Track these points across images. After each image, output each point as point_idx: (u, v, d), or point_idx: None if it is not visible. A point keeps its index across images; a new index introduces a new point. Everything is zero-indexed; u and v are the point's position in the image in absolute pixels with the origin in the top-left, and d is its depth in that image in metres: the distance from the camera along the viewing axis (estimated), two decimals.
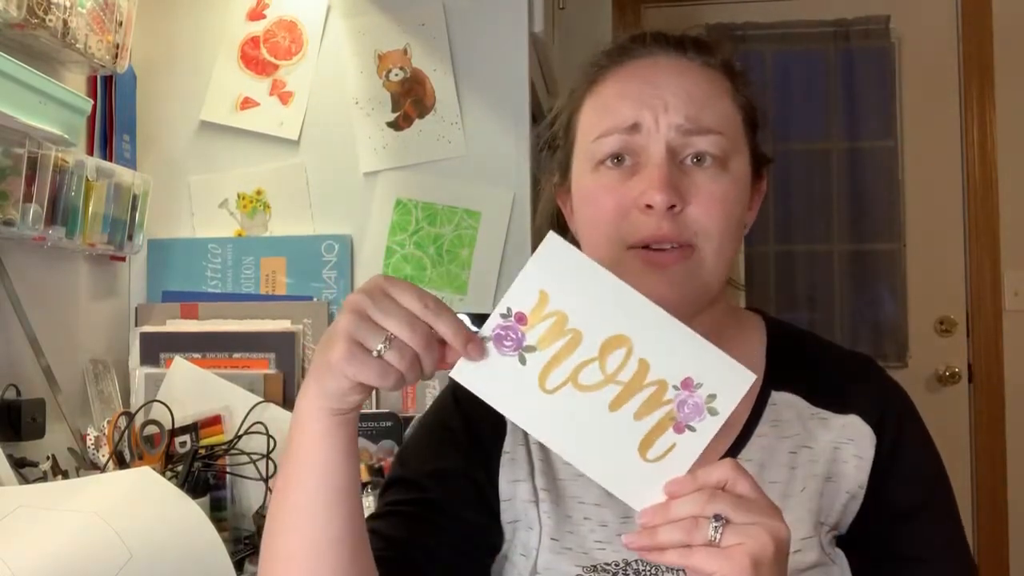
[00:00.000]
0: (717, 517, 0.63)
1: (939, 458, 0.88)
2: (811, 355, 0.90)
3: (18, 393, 1.34)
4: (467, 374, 0.68)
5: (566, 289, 0.67)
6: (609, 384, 0.66)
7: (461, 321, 0.68)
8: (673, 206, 0.78)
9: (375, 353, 0.65)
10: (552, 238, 0.67)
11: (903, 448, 0.85)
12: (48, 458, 1.30)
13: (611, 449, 0.66)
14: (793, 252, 2.92)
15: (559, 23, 2.08)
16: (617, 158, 0.82)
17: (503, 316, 0.68)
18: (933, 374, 2.82)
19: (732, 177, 0.82)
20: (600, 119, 0.84)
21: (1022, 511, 2.75)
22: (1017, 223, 2.80)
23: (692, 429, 0.66)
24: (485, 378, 0.68)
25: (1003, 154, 2.82)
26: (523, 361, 0.67)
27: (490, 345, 0.68)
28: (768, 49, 2.94)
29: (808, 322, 2.88)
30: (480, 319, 1.87)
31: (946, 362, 2.82)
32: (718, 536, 0.63)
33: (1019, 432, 2.76)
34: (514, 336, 0.68)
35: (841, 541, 0.83)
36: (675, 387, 0.66)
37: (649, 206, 0.79)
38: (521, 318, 0.68)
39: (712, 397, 0.66)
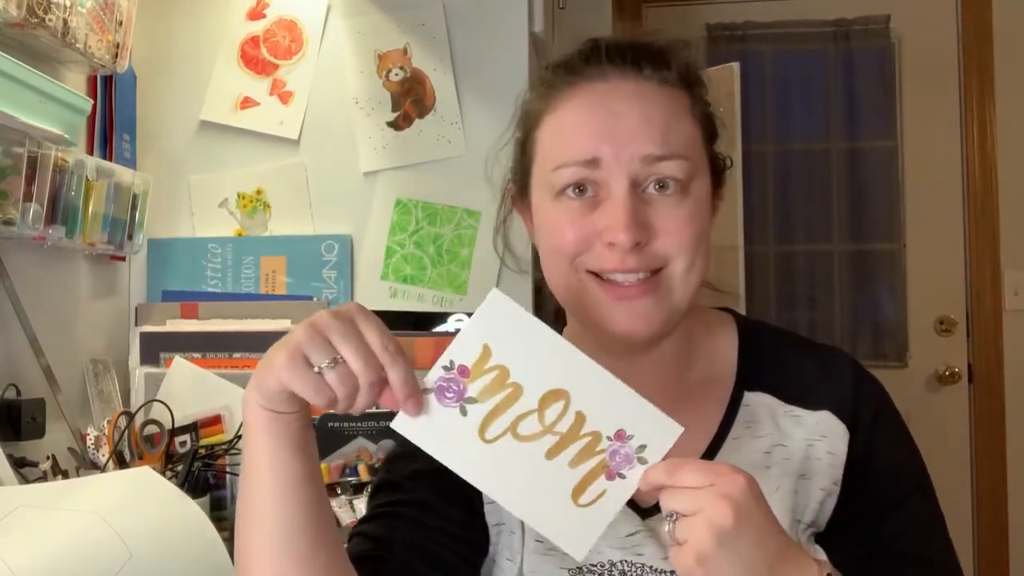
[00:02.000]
0: (671, 514, 0.67)
1: (917, 452, 0.88)
2: (783, 352, 0.89)
3: (18, 393, 1.34)
4: (407, 424, 0.70)
5: (508, 344, 0.69)
6: (547, 435, 0.69)
7: (412, 373, 0.69)
8: (638, 243, 0.78)
9: (316, 368, 0.66)
10: (495, 294, 0.70)
11: (878, 444, 0.84)
12: (48, 458, 1.30)
13: (546, 495, 0.69)
14: (793, 252, 2.92)
15: (559, 23, 2.08)
16: (579, 187, 0.81)
17: (445, 368, 0.70)
18: (933, 374, 2.82)
19: (694, 199, 0.81)
20: (558, 149, 0.82)
21: (1022, 511, 2.75)
22: (1017, 223, 2.80)
23: (622, 476, 0.70)
24: (425, 429, 0.70)
25: (1003, 154, 2.82)
26: (464, 412, 0.70)
27: (431, 397, 0.70)
28: (768, 49, 2.94)
29: (808, 322, 2.88)
30: None
31: (946, 362, 2.82)
32: (674, 532, 0.66)
33: (1019, 432, 2.76)
34: (456, 388, 0.70)
35: (820, 538, 0.83)
36: (608, 438, 0.69)
37: (613, 243, 0.78)
38: (464, 371, 0.70)
39: (642, 448, 0.69)
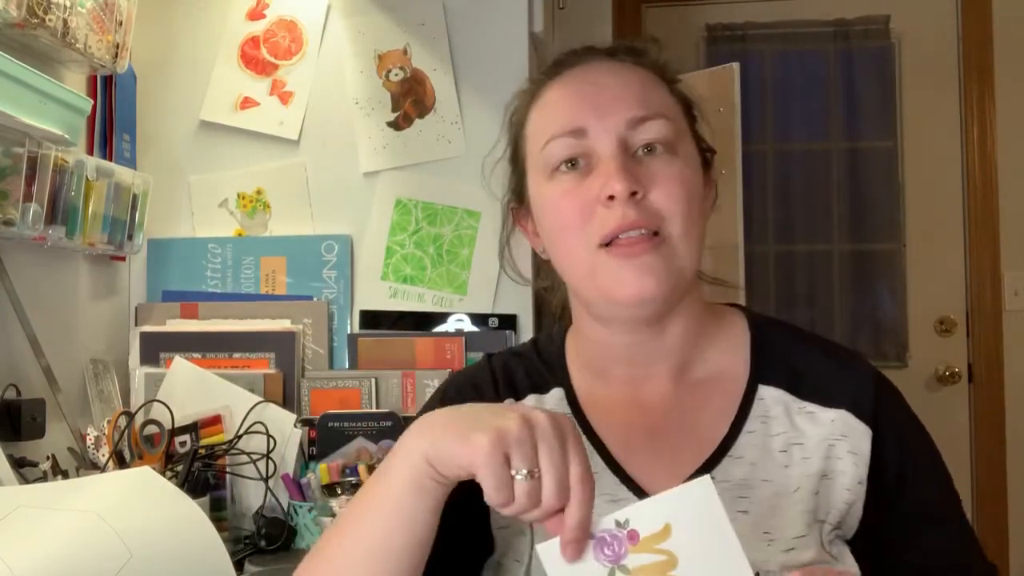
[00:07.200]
0: None
1: (937, 449, 0.88)
2: (796, 349, 0.89)
3: (18, 393, 1.34)
4: (552, 556, 0.65)
5: (690, 538, 0.64)
6: None
7: (590, 517, 0.64)
8: (635, 192, 0.79)
9: (512, 471, 0.63)
10: (707, 484, 0.65)
11: (912, 455, 0.85)
12: (48, 458, 1.30)
13: None
14: (793, 252, 2.92)
15: (559, 23, 2.08)
16: (571, 162, 0.83)
17: (617, 524, 0.65)
18: (933, 374, 2.82)
19: (683, 160, 0.83)
20: (546, 124, 0.85)
21: (1022, 511, 2.75)
22: (1017, 223, 2.80)
23: None
24: (566, 568, 0.65)
25: (1003, 154, 2.82)
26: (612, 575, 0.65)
27: (590, 544, 0.65)
28: (768, 49, 2.94)
29: (808, 322, 2.88)
30: (480, 319, 1.87)
31: (946, 362, 2.82)
32: None
33: (1019, 432, 2.76)
34: (616, 549, 0.65)
35: (856, 547, 0.82)
36: None
37: (611, 197, 0.79)
38: (633, 536, 0.65)
39: None
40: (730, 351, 0.88)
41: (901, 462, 0.83)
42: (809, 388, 0.85)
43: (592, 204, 0.80)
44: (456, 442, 0.65)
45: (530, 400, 0.89)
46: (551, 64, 0.90)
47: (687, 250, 0.81)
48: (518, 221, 0.94)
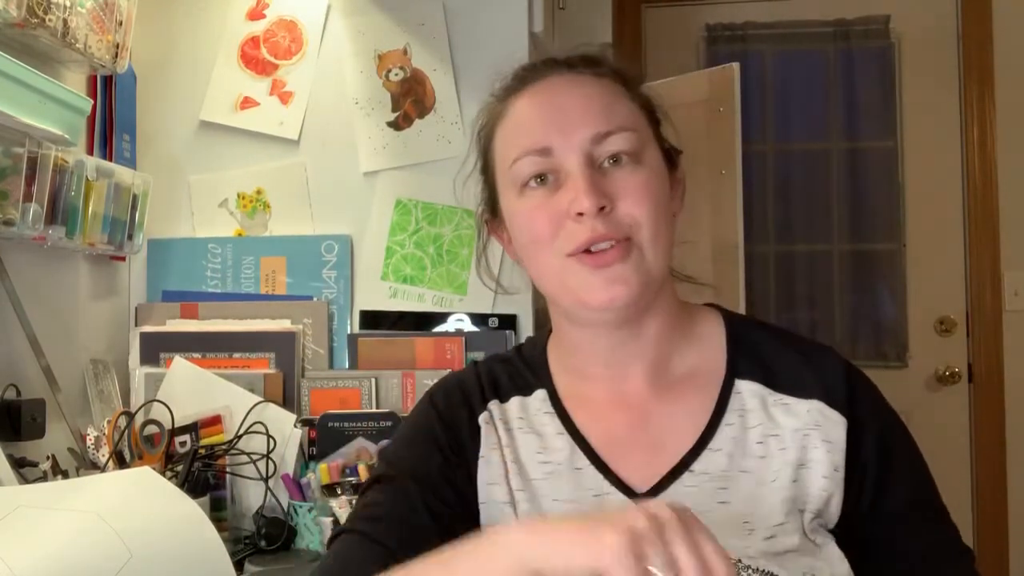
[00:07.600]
0: None
1: (914, 440, 0.89)
2: (770, 345, 0.91)
3: (18, 393, 1.35)
4: None
5: None
6: None
7: None
8: (603, 207, 0.81)
9: (651, 569, 0.56)
10: None
11: (885, 440, 0.85)
12: (48, 458, 1.30)
13: None
14: (793, 252, 2.92)
15: (559, 23, 2.07)
16: (539, 178, 0.85)
17: None
18: (933, 374, 2.82)
19: (649, 168, 0.85)
20: (513, 143, 0.88)
21: (1022, 511, 2.75)
22: (1017, 223, 2.80)
23: None
24: None
25: (1003, 154, 2.82)
26: None
27: None
28: (768, 49, 2.94)
29: (808, 322, 2.88)
30: (480, 319, 1.88)
31: (946, 362, 2.82)
32: None
33: (1019, 432, 2.76)
34: None
35: (842, 541, 0.83)
36: None
37: (580, 213, 0.81)
38: None
39: None
40: (707, 348, 0.91)
41: (882, 456, 0.84)
42: (784, 381, 0.87)
43: (562, 218, 0.83)
44: (577, 540, 0.58)
45: (514, 401, 0.91)
46: (513, 79, 0.93)
47: (656, 254, 0.83)
48: (493, 232, 0.97)
